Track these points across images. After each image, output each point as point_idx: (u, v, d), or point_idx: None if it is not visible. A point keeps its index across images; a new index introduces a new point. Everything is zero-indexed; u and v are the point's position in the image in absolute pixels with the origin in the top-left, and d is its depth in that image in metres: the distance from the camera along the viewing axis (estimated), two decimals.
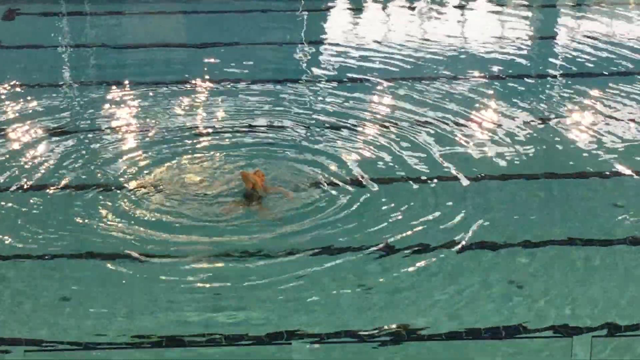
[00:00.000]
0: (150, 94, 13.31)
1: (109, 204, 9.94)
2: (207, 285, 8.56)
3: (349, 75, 14.21)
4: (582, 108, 12.85)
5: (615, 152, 11.36)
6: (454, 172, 10.70)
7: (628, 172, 10.81)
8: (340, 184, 10.34)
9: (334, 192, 10.14)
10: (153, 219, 9.63)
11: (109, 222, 9.56)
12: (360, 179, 10.49)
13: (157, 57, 15.27)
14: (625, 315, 8.09)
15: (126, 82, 13.85)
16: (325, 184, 10.31)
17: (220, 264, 8.90)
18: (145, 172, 10.71)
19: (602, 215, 9.87)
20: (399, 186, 10.39)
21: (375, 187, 10.31)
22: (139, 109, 12.81)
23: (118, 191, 10.20)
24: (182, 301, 8.32)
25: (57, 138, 11.66)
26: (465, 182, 10.49)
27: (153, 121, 12.29)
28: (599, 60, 14.92)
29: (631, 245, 9.25)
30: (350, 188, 10.25)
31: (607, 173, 10.79)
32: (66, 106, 12.98)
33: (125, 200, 9.99)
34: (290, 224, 9.53)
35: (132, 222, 9.57)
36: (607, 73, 14.27)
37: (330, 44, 16.11)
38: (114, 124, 12.25)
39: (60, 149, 11.35)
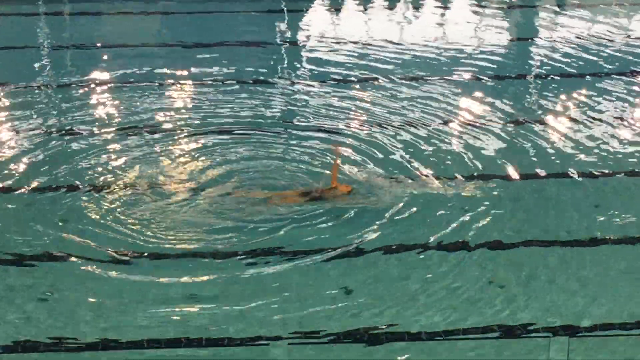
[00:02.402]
0: (133, 93, 13.26)
1: (87, 204, 9.90)
2: (187, 285, 8.58)
3: (333, 74, 14.23)
4: (563, 108, 12.94)
5: (595, 152, 11.44)
6: (433, 172, 10.73)
7: (608, 172, 10.88)
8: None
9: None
10: (146, 219, 9.62)
11: (86, 223, 9.53)
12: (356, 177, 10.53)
13: (138, 57, 15.14)
14: (603, 315, 8.16)
15: (105, 82, 13.79)
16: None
17: (206, 264, 8.91)
18: (130, 171, 10.68)
19: (583, 216, 9.92)
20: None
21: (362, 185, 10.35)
22: (122, 109, 12.73)
23: (94, 192, 10.16)
24: (160, 301, 8.32)
25: (35, 138, 11.59)
26: (445, 183, 10.51)
27: (139, 121, 12.25)
28: (579, 61, 15.00)
29: (612, 245, 9.32)
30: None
31: (588, 173, 10.84)
32: (44, 106, 12.89)
33: (106, 200, 9.97)
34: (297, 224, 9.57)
35: (113, 222, 9.54)
36: (588, 73, 14.37)
37: (312, 43, 16.14)
38: (92, 123, 12.15)
39: (39, 148, 11.27)
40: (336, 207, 9.78)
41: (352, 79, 14.06)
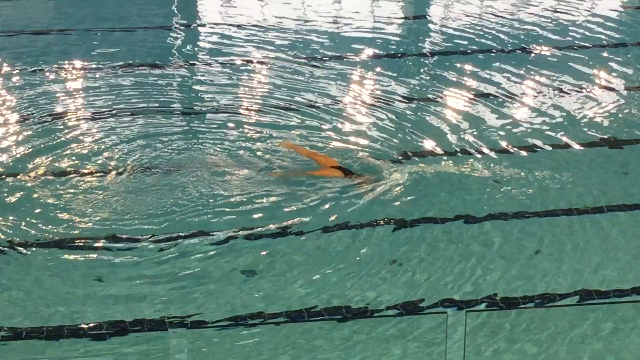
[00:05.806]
0: (30, 80, 13.08)
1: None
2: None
3: (229, 57, 14.21)
4: (462, 85, 13.16)
5: (494, 129, 11.73)
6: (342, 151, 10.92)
7: (506, 148, 11.15)
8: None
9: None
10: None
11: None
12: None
13: (33, 43, 14.86)
14: (501, 290, 8.42)
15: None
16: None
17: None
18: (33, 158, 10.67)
19: (483, 192, 10.14)
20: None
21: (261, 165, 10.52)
22: (17, 95, 12.56)
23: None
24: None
25: None
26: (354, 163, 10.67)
27: (35, 109, 12.10)
28: (475, 38, 15.20)
29: (502, 220, 9.57)
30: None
31: (486, 149, 11.07)
32: None
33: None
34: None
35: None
36: (483, 50, 14.63)
37: (207, 25, 16.06)
38: None
39: None
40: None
41: (251, 60, 14.03)
